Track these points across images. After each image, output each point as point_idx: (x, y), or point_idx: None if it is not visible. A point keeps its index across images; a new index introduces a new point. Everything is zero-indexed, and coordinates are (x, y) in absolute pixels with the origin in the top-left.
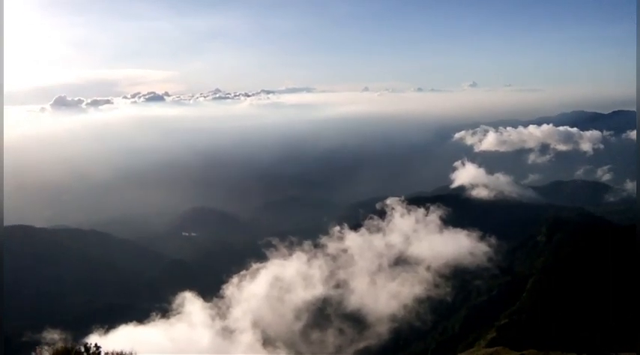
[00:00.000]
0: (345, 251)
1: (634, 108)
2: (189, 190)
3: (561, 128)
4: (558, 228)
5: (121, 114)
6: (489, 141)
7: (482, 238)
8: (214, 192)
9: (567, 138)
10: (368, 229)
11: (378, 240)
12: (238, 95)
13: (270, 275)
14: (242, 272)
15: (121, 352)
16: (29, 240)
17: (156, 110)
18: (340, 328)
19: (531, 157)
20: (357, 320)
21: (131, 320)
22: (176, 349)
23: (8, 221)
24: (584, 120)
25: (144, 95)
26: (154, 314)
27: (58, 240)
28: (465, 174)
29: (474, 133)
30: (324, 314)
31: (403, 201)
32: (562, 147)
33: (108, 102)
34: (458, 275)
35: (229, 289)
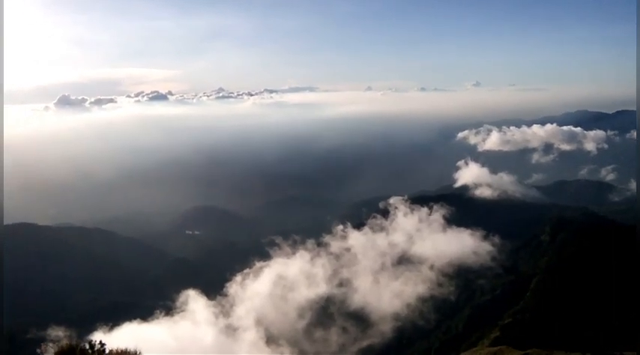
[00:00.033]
0: (348, 250)
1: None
2: (193, 189)
3: (565, 128)
4: (562, 227)
5: (125, 113)
6: (493, 141)
7: (485, 237)
8: (218, 191)
9: (571, 137)
10: (371, 228)
11: (381, 239)
12: (241, 94)
13: (274, 274)
14: (245, 271)
15: (126, 349)
16: (34, 238)
17: (159, 109)
18: (343, 326)
19: (535, 157)
20: (360, 319)
21: (135, 318)
22: (180, 347)
23: (13, 219)
24: (588, 119)
25: (147, 94)
26: (158, 311)
27: (62, 238)
28: (469, 174)
29: (477, 133)
30: (328, 312)
31: (406, 201)
32: (566, 147)
33: (111, 101)
34: (461, 275)
35: (233, 287)
